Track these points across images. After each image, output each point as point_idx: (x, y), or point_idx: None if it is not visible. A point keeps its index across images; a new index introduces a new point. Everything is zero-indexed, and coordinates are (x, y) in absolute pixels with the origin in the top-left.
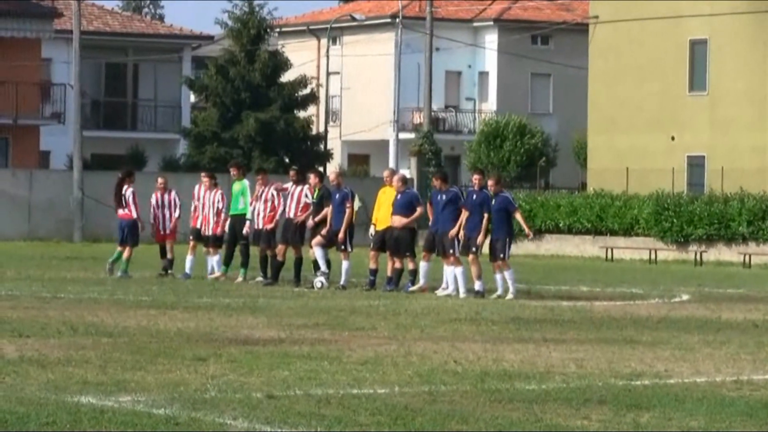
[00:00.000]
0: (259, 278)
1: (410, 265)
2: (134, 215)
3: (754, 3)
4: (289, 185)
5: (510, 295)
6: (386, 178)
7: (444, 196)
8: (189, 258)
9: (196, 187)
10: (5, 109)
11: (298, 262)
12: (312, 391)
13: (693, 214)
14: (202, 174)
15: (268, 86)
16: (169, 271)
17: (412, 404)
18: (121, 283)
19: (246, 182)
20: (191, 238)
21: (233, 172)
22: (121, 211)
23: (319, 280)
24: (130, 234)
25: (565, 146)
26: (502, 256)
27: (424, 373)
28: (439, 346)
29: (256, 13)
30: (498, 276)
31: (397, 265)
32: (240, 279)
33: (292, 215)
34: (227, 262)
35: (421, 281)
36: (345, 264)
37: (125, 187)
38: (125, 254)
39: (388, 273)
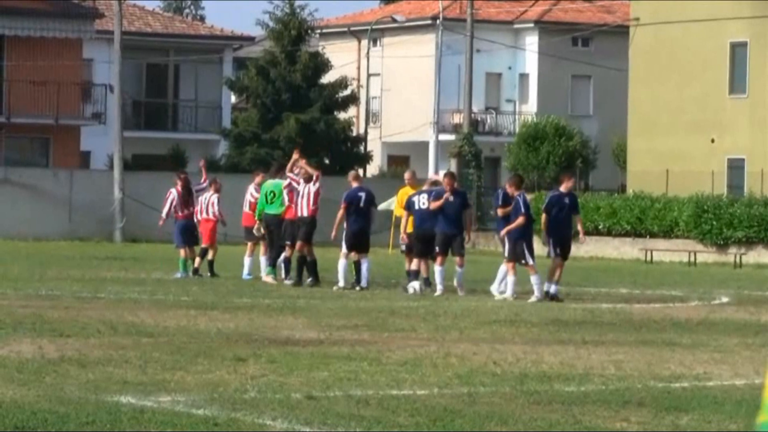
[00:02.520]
0: (310, 279)
1: (414, 266)
2: (163, 216)
3: None
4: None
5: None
6: (407, 180)
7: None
8: (247, 260)
9: (251, 186)
10: (46, 109)
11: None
12: (351, 392)
13: (733, 216)
14: (255, 173)
15: (309, 87)
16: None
17: (451, 406)
18: (167, 283)
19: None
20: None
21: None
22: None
23: (411, 286)
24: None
25: (605, 148)
26: (523, 261)
27: (464, 375)
28: (479, 347)
29: (297, 14)
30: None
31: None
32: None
33: (305, 213)
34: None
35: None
36: (364, 264)
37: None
38: (181, 254)
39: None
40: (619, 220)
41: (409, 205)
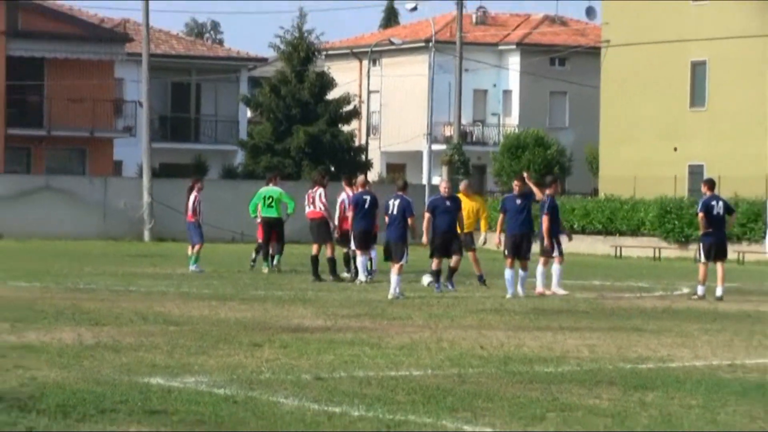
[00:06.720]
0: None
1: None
2: (193, 218)
3: (747, 28)
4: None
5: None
6: (463, 188)
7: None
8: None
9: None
10: (83, 123)
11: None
12: (355, 373)
13: (693, 216)
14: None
15: (316, 103)
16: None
17: (443, 385)
18: (191, 277)
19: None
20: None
21: (275, 180)
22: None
23: (426, 277)
24: (193, 233)
25: (580, 156)
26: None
27: (454, 358)
28: (467, 333)
29: (305, 37)
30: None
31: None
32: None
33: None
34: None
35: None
36: (368, 258)
37: (193, 193)
38: (194, 249)
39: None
40: (592, 220)
41: (432, 208)
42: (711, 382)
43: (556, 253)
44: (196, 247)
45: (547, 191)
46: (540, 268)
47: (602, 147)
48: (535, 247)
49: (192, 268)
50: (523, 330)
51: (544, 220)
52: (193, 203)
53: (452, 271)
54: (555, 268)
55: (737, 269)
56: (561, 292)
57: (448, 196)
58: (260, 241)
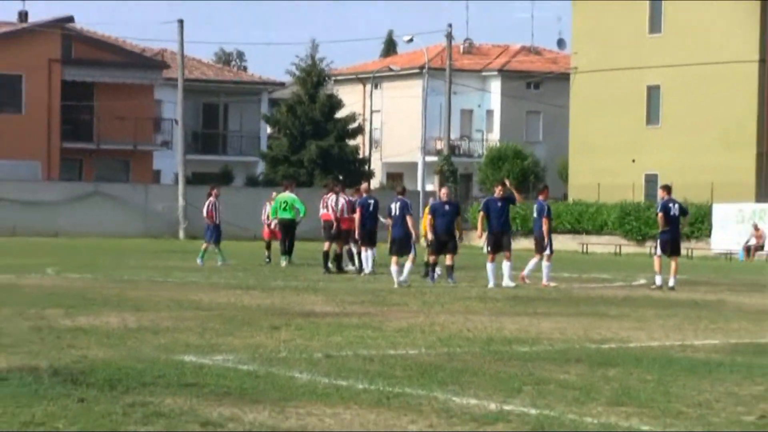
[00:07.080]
0: (351, 267)
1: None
2: (210, 221)
3: (695, 57)
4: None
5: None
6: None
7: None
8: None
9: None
10: (127, 138)
11: (333, 255)
12: (359, 352)
13: (649, 218)
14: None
15: (326, 121)
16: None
17: (435, 362)
18: (219, 270)
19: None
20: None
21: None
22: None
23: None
24: (208, 233)
25: (552, 166)
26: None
27: (444, 339)
28: (456, 318)
29: (317, 65)
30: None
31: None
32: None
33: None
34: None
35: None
36: (370, 254)
37: (210, 198)
38: (203, 246)
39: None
40: (562, 221)
41: (433, 211)
42: (664, 360)
43: (548, 252)
44: (204, 245)
45: (540, 197)
46: (543, 262)
47: (571, 158)
48: (529, 244)
49: (198, 261)
50: (504, 315)
51: (545, 223)
52: (208, 206)
53: (450, 268)
54: (544, 264)
55: (687, 263)
56: (553, 284)
57: (446, 201)
58: (266, 239)
